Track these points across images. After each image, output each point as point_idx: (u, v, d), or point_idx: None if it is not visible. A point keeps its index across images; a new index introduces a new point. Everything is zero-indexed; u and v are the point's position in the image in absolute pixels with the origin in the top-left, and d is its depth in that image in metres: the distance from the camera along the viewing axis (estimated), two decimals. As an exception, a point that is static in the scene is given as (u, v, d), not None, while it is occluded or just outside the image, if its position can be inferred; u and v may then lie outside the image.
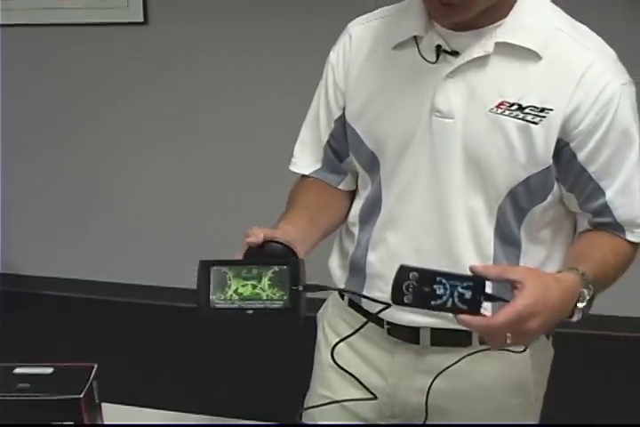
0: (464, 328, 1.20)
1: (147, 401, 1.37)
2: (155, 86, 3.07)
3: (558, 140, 1.16)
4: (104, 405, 1.18)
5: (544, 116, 1.15)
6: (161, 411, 1.33)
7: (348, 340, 1.32)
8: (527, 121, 1.15)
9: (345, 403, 1.36)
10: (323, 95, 1.35)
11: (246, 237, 1.07)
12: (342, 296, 1.41)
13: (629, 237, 1.24)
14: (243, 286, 0.99)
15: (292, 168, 1.39)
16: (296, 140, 1.40)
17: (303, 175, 1.39)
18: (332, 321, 1.41)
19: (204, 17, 2.96)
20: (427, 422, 1.23)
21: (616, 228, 1.23)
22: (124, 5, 3.00)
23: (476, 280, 0.98)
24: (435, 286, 0.96)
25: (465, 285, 0.97)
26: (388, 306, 1.05)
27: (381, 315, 1.27)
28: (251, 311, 0.98)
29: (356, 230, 1.35)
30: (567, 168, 1.19)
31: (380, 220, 1.30)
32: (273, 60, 2.92)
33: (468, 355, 1.18)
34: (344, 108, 1.31)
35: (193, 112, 3.08)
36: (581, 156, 1.17)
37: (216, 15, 2.96)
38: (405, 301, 0.97)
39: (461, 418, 1.33)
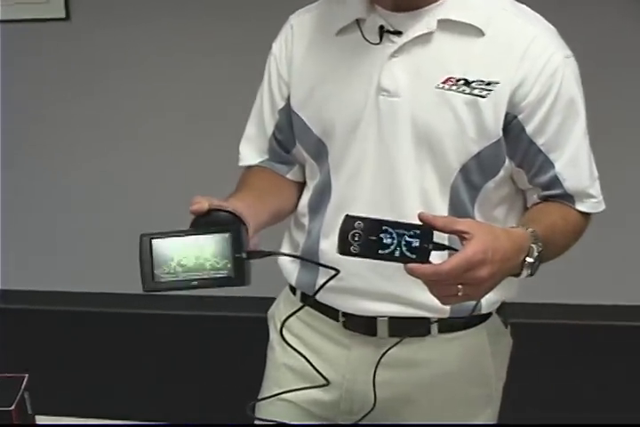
0: (423, 315, 1.22)
1: (87, 411, 1.31)
2: (77, 85, 2.96)
3: (506, 115, 1.17)
4: (38, 417, 1.14)
5: (491, 90, 1.16)
6: (99, 421, 1.29)
7: (301, 337, 1.31)
8: (475, 95, 1.16)
9: (300, 403, 1.33)
10: (266, 87, 1.34)
11: (190, 206, 1.05)
12: (294, 292, 1.37)
13: (579, 206, 1.24)
14: (185, 257, 0.97)
15: (241, 163, 1.39)
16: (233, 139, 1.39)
17: (250, 166, 1.38)
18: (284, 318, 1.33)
19: (131, 13, 2.86)
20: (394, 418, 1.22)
21: (566, 198, 1.24)
22: (45, 1, 2.88)
23: (423, 229, 0.98)
24: (381, 235, 0.95)
25: (412, 233, 0.96)
26: (338, 272, 1.04)
27: (336, 304, 1.27)
28: (195, 283, 0.97)
29: (306, 221, 1.33)
30: (516, 142, 1.19)
31: (330, 206, 1.28)
32: (204, 57, 2.84)
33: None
34: (288, 98, 1.31)
35: (117, 110, 2.98)
36: (530, 128, 1.18)
37: (144, 11, 2.88)
38: (352, 251, 0.96)
39: (427, 406, 1.31)
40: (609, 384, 2.41)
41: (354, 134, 1.23)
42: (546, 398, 2.39)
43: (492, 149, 1.19)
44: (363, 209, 1.19)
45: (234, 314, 2.55)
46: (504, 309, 1.35)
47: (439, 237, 1.02)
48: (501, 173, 1.22)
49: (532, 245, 1.07)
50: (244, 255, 0.98)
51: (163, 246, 0.98)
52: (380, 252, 0.96)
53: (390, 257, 0.97)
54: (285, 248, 1.38)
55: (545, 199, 1.25)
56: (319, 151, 1.28)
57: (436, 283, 0.99)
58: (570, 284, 2.49)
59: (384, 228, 0.96)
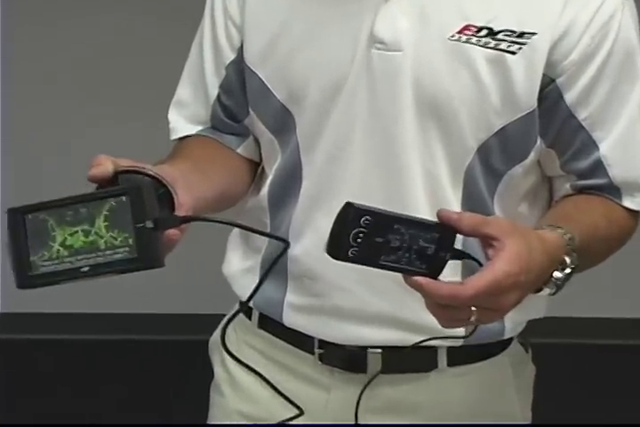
0: (429, 343, 0.97)
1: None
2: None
3: (542, 77, 0.95)
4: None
5: (524, 43, 0.94)
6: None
7: (265, 377, 1.01)
8: (501, 50, 0.94)
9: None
10: (207, 34, 1.05)
11: (89, 171, 0.81)
12: (249, 315, 1.09)
13: (627, 202, 1.01)
14: (71, 234, 0.78)
15: (173, 136, 1.09)
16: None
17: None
18: (237, 350, 1.07)
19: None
20: None
21: (610, 191, 1.01)
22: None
23: (444, 231, 0.79)
24: (390, 237, 0.77)
25: (429, 237, 0.79)
26: (288, 245, 0.84)
27: (310, 330, 1.02)
28: (86, 269, 0.77)
29: (266, 218, 1.05)
30: (551, 115, 0.97)
31: (302, 198, 1.02)
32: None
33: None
34: (240, 49, 1.03)
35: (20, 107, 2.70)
36: (570, 96, 0.96)
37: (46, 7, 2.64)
38: (350, 254, 0.77)
39: None
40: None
41: (334, 101, 0.97)
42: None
43: (522, 124, 0.96)
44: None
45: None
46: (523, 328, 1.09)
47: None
48: (531, 155, 0.99)
49: (566, 258, 0.87)
50: (148, 224, 0.77)
51: (39, 223, 0.79)
52: (383, 258, 0.78)
53: (393, 266, 0.78)
54: (235, 257, 1.10)
55: (581, 191, 1.02)
56: (283, 123, 1.01)
57: (448, 306, 0.79)
58: (599, 293, 2.11)
59: (396, 227, 0.77)
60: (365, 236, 0.77)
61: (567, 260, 0.86)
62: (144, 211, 0.78)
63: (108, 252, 0.78)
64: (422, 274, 0.78)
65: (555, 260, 0.86)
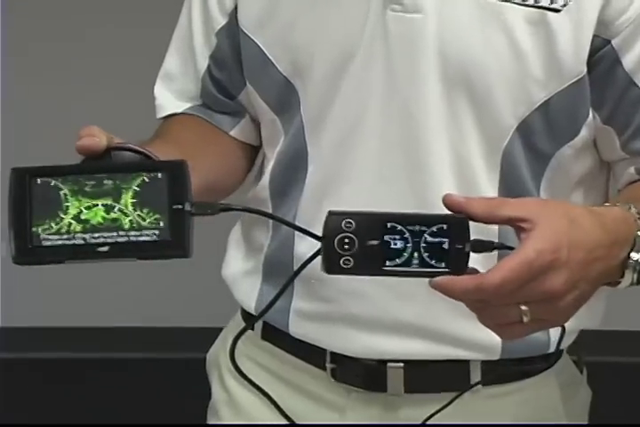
0: (461, 356, 0.87)
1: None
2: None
3: (593, 38, 0.84)
4: None
5: None
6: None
7: (273, 398, 0.91)
8: (543, 8, 0.83)
9: None
10: None
11: (78, 141, 0.73)
12: (252, 326, 0.99)
13: None
14: (88, 207, 0.71)
15: (159, 114, 1.00)
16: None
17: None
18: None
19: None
20: None
21: None
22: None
23: (453, 220, 0.71)
24: (387, 238, 0.72)
25: (435, 229, 0.71)
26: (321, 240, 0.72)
27: (321, 341, 0.91)
28: (105, 249, 0.70)
29: (268, 210, 0.95)
30: (606, 83, 0.86)
31: (308, 187, 0.91)
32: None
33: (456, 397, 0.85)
34: (234, 13, 0.93)
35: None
36: (630, 60, 0.85)
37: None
38: (343, 266, 0.71)
39: None
40: None
41: (343, 74, 0.87)
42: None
43: (569, 96, 0.86)
44: (362, 192, 0.87)
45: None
46: (577, 343, 0.95)
47: (484, 234, 0.70)
48: (583, 132, 0.87)
49: None
50: (187, 207, 0.71)
51: (50, 190, 0.71)
52: (388, 264, 0.71)
53: (406, 270, 0.71)
54: (235, 258, 0.99)
55: None
56: (286, 99, 0.92)
57: (486, 304, 0.68)
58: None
59: (389, 225, 0.71)
60: (354, 241, 0.70)
61: None
62: (184, 191, 0.72)
63: (132, 233, 0.71)
64: (443, 273, 0.69)
65: (621, 236, 0.74)
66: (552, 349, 0.88)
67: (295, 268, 0.88)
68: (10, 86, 2.55)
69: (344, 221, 0.71)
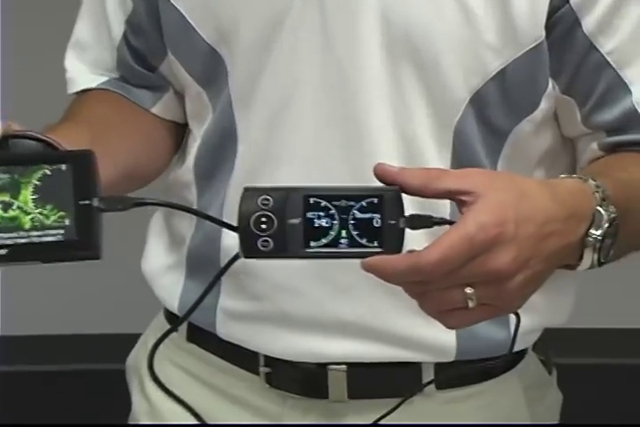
0: (410, 358, 0.80)
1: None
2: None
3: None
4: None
5: None
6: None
7: (192, 408, 0.85)
8: None
9: None
10: None
11: None
12: (175, 329, 0.92)
13: None
14: None
15: (71, 89, 0.91)
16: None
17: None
18: (159, 371, 0.90)
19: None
20: None
21: None
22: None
23: (384, 193, 0.67)
24: (309, 215, 0.66)
25: (365, 204, 0.66)
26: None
27: (253, 343, 0.84)
28: (3, 252, 0.66)
29: (192, 195, 0.88)
30: (565, 48, 0.80)
31: (238, 168, 0.84)
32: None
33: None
34: None
35: None
36: (589, 22, 0.79)
37: None
38: (262, 248, 0.66)
39: None
40: None
41: (274, 40, 0.80)
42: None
43: (526, 64, 0.80)
44: (296, 174, 0.81)
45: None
46: (544, 342, 0.88)
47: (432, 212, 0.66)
48: (542, 105, 0.81)
49: (599, 209, 0.69)
50: (95, 203, 0.67)
51: None
52: (312, 245, 0.66)
53: (333, 252, 0.66)
54: (155, 250, 0.92)
55: (612, 150, 0.83)
56: (212, 70, 0.85)
57: (426, 287, 0.62)
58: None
59: (312, 201, 0.66)
60: (273, 220, 0.65)
61: (602, 212, 0.68)
62: (91, 185, 0.67)
63: (34, 233, 0.67)
64: (377, 254, 0.64)
65: (578, 210, 0.68)
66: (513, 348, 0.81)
67: (222, 262, 0.82)
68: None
69: (260, 198, 0.65)
